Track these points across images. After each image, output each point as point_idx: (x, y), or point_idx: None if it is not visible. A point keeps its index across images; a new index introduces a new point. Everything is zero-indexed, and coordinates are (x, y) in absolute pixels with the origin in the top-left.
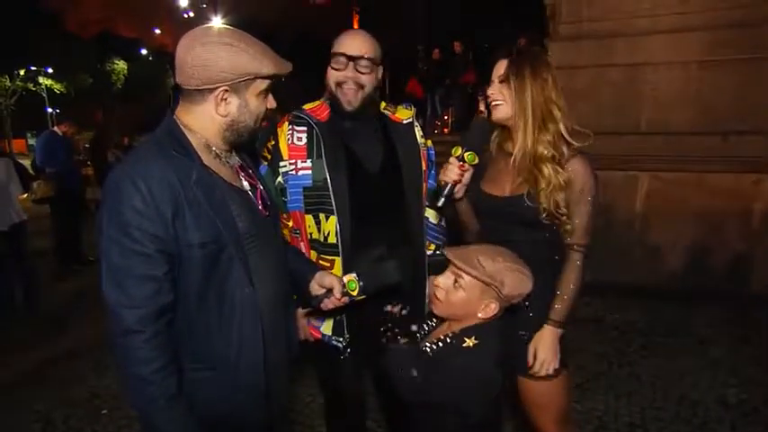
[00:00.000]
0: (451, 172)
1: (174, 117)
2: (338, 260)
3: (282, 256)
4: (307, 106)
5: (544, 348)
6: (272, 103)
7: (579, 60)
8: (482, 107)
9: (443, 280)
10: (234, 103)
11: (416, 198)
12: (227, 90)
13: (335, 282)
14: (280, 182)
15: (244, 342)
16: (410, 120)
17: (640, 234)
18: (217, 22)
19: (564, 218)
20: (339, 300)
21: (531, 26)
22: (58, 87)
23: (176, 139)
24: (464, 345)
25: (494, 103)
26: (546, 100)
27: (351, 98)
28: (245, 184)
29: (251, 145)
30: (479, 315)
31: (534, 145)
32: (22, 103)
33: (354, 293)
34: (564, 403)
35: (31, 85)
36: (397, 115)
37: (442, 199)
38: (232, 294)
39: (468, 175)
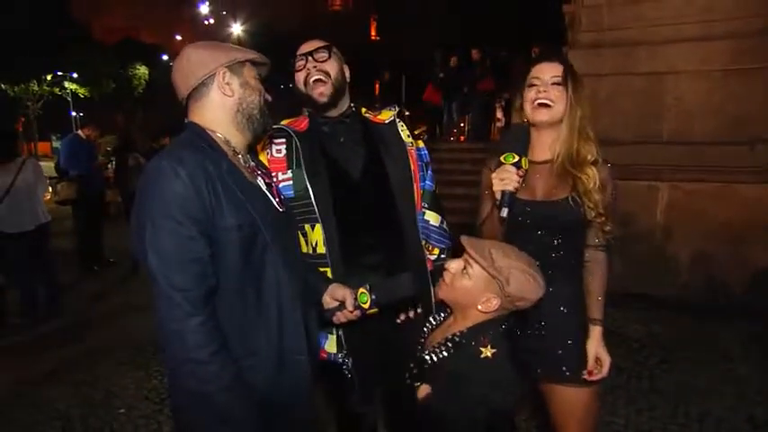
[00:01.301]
0: (512, 180)
1: (193, 122)
2: (329, 271)
3: (299, 255)
4: (285, 120)
5: (603, 350)
6: (267, 95)
7: (600, 69)
8: (499, 114)
9: (455, 264)
10: (235, 81)
11: (406, 199)
12: (226, 72)
13: (348, 294)
14: None
15: (285, 327)
16: (392, 119)
17: (661, 245)
18: (236, 29)
19: (604, 218)
20: (351, 313)
21: (544, 34)
22: (82, 92)
23: (203, 137)
24: (482, 356)
25: (544, 102)
26: (588, 109)
27: (321, 89)
28: (261, 181)
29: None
30: (479, 307)
31: (579, 148)
32: (48, 106)
33: (366, 306)
34: (597, 412)
35: (57, 90)
36: (379, 117)
37: (506, 209)
38: (269, 280)
39: (521, 181)
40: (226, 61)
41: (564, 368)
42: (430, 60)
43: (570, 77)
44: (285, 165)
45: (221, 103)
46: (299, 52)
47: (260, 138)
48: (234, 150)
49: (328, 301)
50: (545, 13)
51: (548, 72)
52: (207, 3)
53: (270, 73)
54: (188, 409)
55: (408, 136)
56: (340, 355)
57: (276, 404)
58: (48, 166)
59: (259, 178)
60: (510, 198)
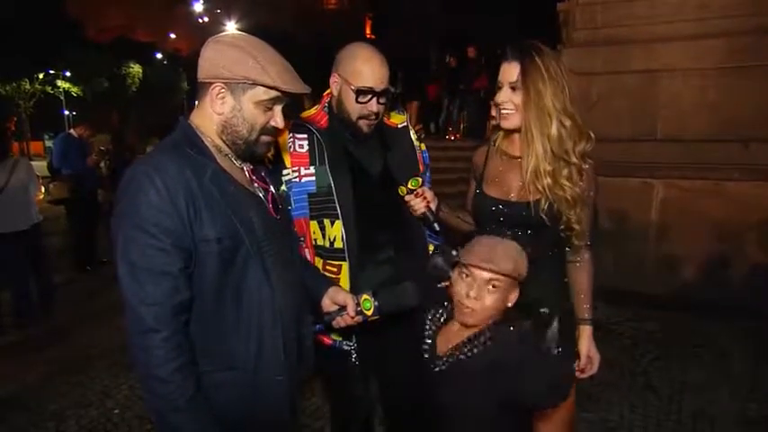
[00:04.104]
0: (416, 204)
1: (188, 120)
2: (345, 265)
3: (296, 262)
4: (304, 114)
5: (594, 348)
6: (278, 121)
7: (594, 67)
8: (494, 112)
9: (477, 290)
10: (228, 103)
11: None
12: (222, 88)
13: (349, 299)
14: (283, 190)
15: (264, 342)
16: (404, 124)
17: (656, 243)
18: (231, 27)
19: (573, 232)
20: (352, 318)
21: (539, 32)
22: (75, 91)
23: (190, 140)
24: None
25: (503, 112)
26: (562, 108)
27: (371, 128)
28: (257, 187)
29: (257, 159)
30: (509, 305)
31: (544, 159)
32: (41, 105)
33: (369, 313)
34: (572, 417)
35: (49, 89)
36: (391, 120)
37: (435, 224)
38: (250, 294)
39: (429, 194)
40: (228, 78)
41: None
42: (426, 59)
43: (529, 77)
44: (308, 160)
45: (210, 114)
46: (370, 84)
47: (248, 160)
48: (226, 155)
49: (328, 304)
50: (541, 11)
51: (506, 75)
52: (201, 1)
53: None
54: (154, 420)
55: (417, 139)
56: (345, 344)
57: (250, 422)
58: (40, 166)
59: (255, 184)
60: (431, 214)
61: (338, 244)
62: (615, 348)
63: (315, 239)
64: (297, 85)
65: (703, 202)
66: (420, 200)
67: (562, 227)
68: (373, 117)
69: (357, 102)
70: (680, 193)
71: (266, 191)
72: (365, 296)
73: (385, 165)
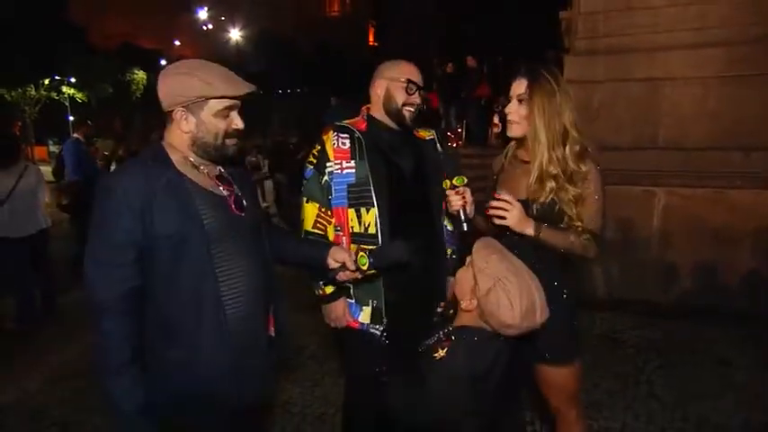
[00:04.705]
0: (455, 201)
1: (163, 140)
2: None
3: (261, 254)
4: (346, 121)
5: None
6: (237, 123)
7: (596, 75)
8: (496, 120)
9: (468, 258)
10: (192, 121)
11: (438, 200)
12: (183, 111)
13: (347, 257)
14: (326, 180)
15: (205, 328)
16: (432, 138)
17: (658, 251)
18: (234, 34)
19: (575, 223)
20: (353, 272)
21: (541, 41)
22: (80, 96)
23: (154, 153)
24: (435, 356)
25: (510, 122)
26: (565, 122)
27: (414, 116)
28: (222, 189)
29: (229, 160)
30: (462, 305)
31: (549, 164)
32: (45, 111)
33: (365, 268)
34: (577, 387)
35: (54, 94)
36: (420, 134)
37: (464, 224)
38: (196, 282)
39: (468, 195)
40: (184, 101)
41: (546, 354)
42: (428, 66)
43: (534, 93)
44: (349, 155)
45: (180, 134)
46: (415, 79)
47: (224, 163)
48: (192, 164)
49: (331, 262)
50: (540, 11)
51: (515, 90)
52: (206, 8)
53: (267, 79)
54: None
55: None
56: (372, 327)
57: (198, 396)
58: (45, 171)
59: (220, 186)
60: (464, 214)
61: (372, 230)
62: (619, 357)
63: (352, 227)
64: (242, 88)
65: (705, 209)
66: (459, 198)
67: (563, 226)
68: (415, 108)
69: (407, 92)
70: (682, 201)
71: (230, 192)
72: (361, 253)
73: (416, 166)
